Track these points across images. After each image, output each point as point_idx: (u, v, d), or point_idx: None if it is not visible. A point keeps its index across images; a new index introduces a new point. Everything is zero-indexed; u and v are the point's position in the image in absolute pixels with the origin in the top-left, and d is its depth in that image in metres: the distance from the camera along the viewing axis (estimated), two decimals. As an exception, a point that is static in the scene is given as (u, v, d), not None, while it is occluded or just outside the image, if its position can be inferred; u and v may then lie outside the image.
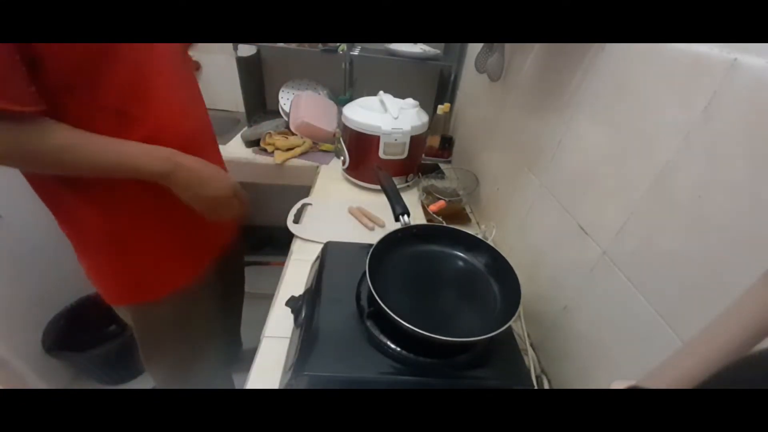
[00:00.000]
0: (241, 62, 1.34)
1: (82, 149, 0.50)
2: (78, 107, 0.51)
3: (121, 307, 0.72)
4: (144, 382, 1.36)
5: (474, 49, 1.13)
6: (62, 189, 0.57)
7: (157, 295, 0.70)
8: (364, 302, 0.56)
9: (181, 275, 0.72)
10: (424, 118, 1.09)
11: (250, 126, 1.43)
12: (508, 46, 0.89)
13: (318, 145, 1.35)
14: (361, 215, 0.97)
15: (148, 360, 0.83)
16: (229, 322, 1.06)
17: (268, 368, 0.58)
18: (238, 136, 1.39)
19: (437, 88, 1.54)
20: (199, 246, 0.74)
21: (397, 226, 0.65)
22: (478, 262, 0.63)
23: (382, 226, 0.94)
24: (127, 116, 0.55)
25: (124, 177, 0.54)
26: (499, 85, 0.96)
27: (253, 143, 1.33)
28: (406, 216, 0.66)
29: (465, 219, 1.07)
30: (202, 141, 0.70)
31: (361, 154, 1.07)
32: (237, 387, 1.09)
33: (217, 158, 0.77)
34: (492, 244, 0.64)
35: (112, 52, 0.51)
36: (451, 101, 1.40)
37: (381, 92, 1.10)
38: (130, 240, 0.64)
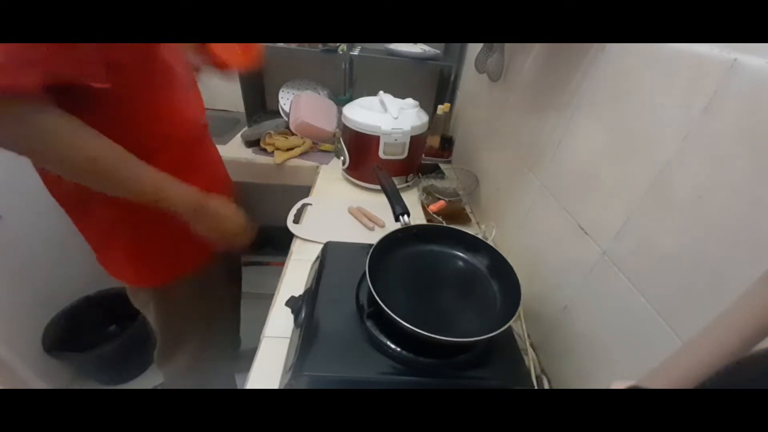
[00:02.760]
0: (241, 62, 1.34)
1: (118, 169, 0.52)
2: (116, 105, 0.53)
3: (142, 294, 0.76)
4: (144, 382, 1.36)
5: (474, 49, 1.13)
6: (80, 188, 0.58)
7: (175, 276, 0.74)
8: (364, 302, 0.56)
9: (194, 259, 0.76)
10: (424, 118, 1.09)
11: (249, 126, 1.43)
12: (508, 46, 0.89)
13: (318, 145, 1.35)
14: (361, 215, 0.97)
15: (165, 347, 0.86)
16: (232, 314, 1.07)
17: (268, 368, 0.58)
18: (238, 136, 1.38)
19: (437, 88, 1.54)
20: None
21: (397, 226, 0.65)
22: (478, 262, 0.63)
23: (382, 226, 0.94)
24: (154, 109, 0.58)
25: (149, 204, 0.56)
26: (499, 85, 0.96)
27: (253, 143, 1.33)
28: (406, 216, 0.66)
29: (465, 219, 1.07)
30: (202, 132, 0.74)
31: (361, 154, 1.07)
32: (237, 386, 1.09)
33: (211, 149, 0.80)
34: (492, 244, 0.64)
35: (152, 51, 0.54)
36: (451, 101, 1.39)
37: (381, 92, 1.10)
38: (147, 228, 0.67)
